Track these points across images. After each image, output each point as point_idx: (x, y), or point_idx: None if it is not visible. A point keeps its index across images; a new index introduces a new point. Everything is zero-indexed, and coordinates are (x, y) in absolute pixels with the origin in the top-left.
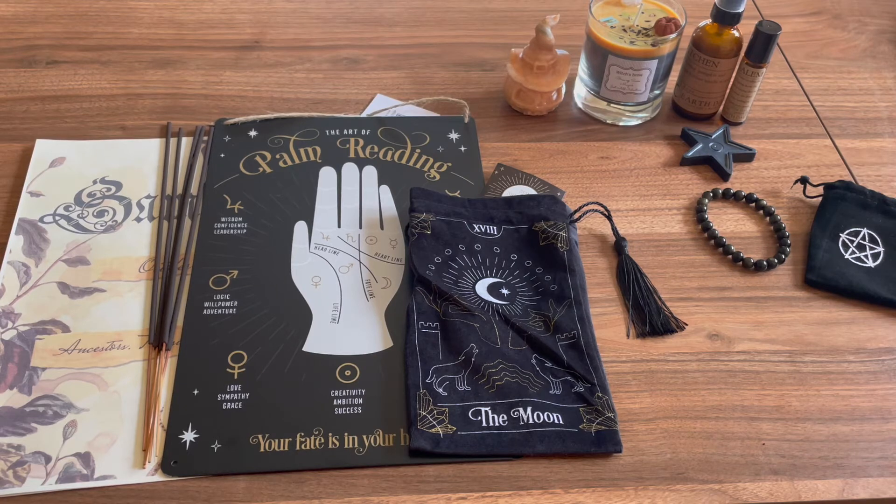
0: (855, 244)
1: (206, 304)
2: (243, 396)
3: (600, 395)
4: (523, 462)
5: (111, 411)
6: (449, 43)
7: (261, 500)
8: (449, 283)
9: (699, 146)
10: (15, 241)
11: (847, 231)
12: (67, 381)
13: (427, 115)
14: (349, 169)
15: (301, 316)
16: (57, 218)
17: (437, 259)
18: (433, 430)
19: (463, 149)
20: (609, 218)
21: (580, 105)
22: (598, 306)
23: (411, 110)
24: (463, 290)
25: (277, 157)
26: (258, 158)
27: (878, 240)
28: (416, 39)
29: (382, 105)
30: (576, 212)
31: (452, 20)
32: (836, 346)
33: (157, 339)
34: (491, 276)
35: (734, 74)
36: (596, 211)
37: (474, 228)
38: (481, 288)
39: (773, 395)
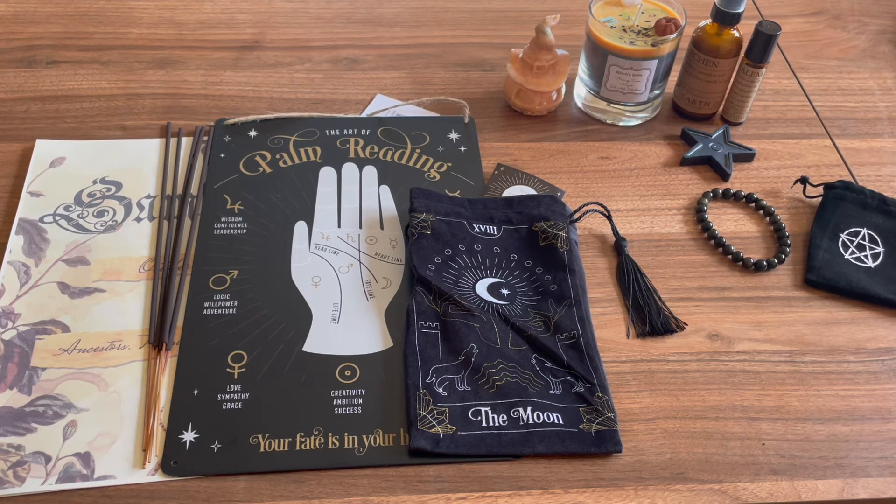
0: (855, 244)
1: (206, 304)
2: (243, 396)
3: (600, 395)
4: (523, 462)
5: (111, 411)
6: (449, 43)
7: (261, 500)
8: (449, 283)
9: (699, 146)
10: (15, 241)
11: (847, 231)
12: (67, 381)
13: (427, 115)
14: (349, 169)
15: (301, 316)
16: (57, 218)
17: (437, 259)
18: (433, 430)
19: (463, 149)
20: (609, 218)
21: (580, 105)
22: (598, 306)
23: (411, 110)
24: (463, 290)
25: (277, 157)
26: (258, 158)
27: (878, 240)
28: (416, 39)
29: (382, 105)
30: (576, 212)
31: (452, 20)
32: (836, 346)
33: (157, 339)
34: (491, 276)
35: (734, 74)
36: (596, 211)
37: (474, 228)
38: (481, 288)
39: (773, 395)
